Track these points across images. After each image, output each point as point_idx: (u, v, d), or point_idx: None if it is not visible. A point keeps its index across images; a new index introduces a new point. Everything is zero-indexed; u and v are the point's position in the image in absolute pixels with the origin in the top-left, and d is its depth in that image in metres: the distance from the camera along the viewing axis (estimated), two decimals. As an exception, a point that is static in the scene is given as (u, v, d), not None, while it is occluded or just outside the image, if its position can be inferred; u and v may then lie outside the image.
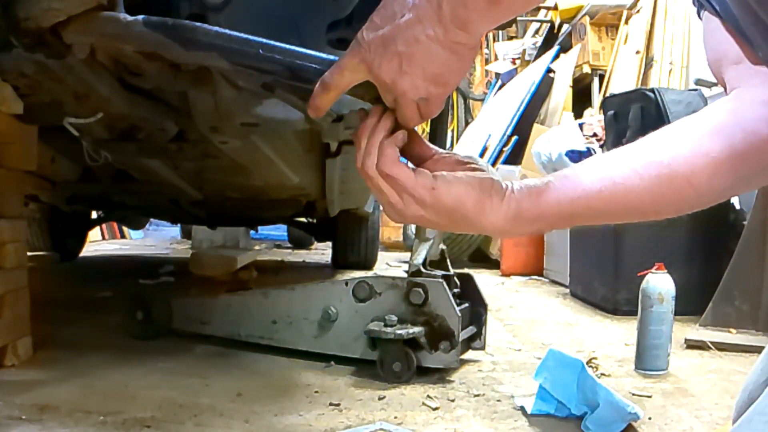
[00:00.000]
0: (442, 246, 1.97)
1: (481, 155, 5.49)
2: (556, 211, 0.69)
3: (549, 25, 7.26)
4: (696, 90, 3.29)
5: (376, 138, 0.67)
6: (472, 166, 0.70)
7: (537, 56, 7.02)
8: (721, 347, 2.18)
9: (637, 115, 3.13)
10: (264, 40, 0.93)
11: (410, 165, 0.70)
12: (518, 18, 7.42)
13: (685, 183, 0.68)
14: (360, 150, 0.68)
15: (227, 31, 1.02)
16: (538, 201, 0.68)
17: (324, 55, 0.84)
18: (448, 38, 0.59)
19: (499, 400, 1.60)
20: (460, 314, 1.74)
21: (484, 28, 0.60)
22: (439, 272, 1.84)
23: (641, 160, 0.69)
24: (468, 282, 1.98)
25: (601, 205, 0.69)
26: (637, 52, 5.40)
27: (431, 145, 0.73)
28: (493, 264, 4.79)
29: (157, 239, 7.12)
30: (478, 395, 1.64)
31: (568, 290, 3.55)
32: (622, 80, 5.41)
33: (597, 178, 0.69)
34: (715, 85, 4.31)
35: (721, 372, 1.94)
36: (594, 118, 4.78)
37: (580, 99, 5.91)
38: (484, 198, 0.67)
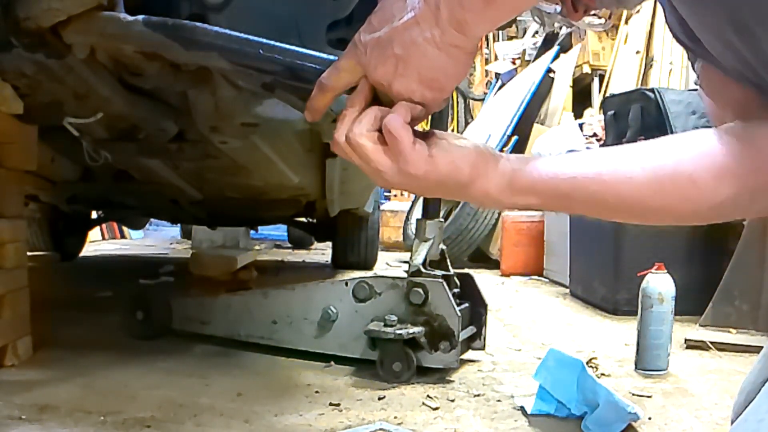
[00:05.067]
0: (442, 246, 1.97)
1: (481, 155, 5.47)
2: (551, 185, 0.67)
3: (549, 25, 7.26)
4: (696, 90, 3.28)
5: (370, 109, 0.65)
6: (463, 137, 0.69)
7: (537, 56, 7.02)
8: (721, 347, 2.18)
9: (637, 115, 3.13)
10: (264, 40, 0.94)
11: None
12: (518, 18, 7.42)
13: (687, 180, 0.66)
14: (345, 118, 0.66)
15: (227, 31, 1.02)
16: (533, 172, 0.67)
17: (324, 55, 0.84)
18: (445, 40, 0.59)
19: (499, 400, 1.61)
20: (460, 314, 1.74)
21: (480, 30, 0.60)
22: (439, 272, 1.84)
23: (645, 153, 0.68)
24: (468, 282, 1.98)
25: (597, 189, 0.67)
26: (637, 52, 5.40)
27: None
28: (493, 264, 4.79)
29: (157, 239, 7.12)
30: (478, 395, 1.64)
31: (568, 290, 3.55)
32: (622, 80, 5.41)
33: (598, 162, 0.68)
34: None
35: (721, 372, 1.94)
36: (594, 118, 4.79)
37: (580, 99, 5.91)
38: (479, 163, 0.66)
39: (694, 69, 0.77)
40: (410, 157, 0.64)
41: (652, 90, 3.16)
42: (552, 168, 0.67)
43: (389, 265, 4.75)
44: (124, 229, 7.00)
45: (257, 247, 5.72)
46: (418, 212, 3.93)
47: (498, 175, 0.67)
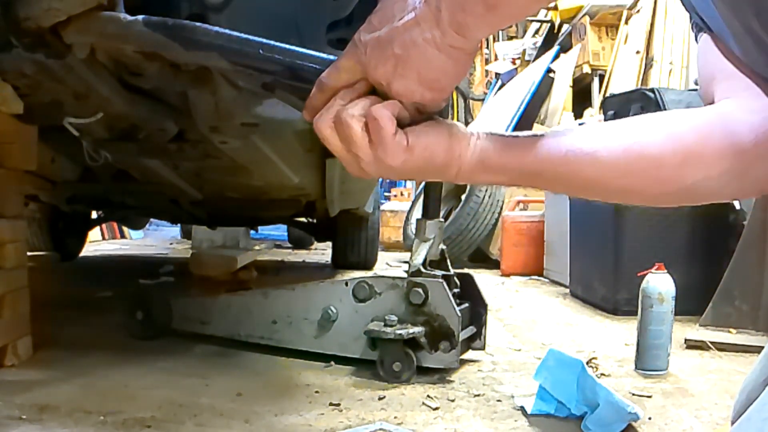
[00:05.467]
0: (442, 246, 1.97)
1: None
2: (518, 166, 0.68)
3: (549, 25, 7.27)
4: (696, 90, 3.28)
5: (366, 98, 0.65)
6: (438, 120, 0.69)
7: (537, 56, 7.02)
8: (721, 347, 2.18)
9: (637, 114, 3.13)
10: (264, 40, 0.93)
11: None
12: (518, 18, 7.41)
13: (652, 164, 0.67)
14: (332, 107, 0.65)
15: (227, 31, 1.02)
16: (503, 152, 0.68)
17: (324, 55, 0.84)
18: (445, 42, 0.59)
19: (499, 400, 1.61)
20: (460, 314, 1.74)
21: (481, 33, 0.60)
22: (439, 272, 1.84)
23: (614, 134, 0.69)
24: (468, 282, 1.98)
25: (564, 170, 0.68)
26: (637, 52, 5.40)
27: None
28: (493, 264, 4.79)
29: (157, 239, 7.12)
30: (478, 395, 1.64)
31: (568, 290, 3.55)
32: (622, 80, 5.41)
33: (565, 142, 0.68)
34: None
35: (721, 372, 1.94)
36: (594, 118, 4.79)
37: (580, 99, 5.91)
38: (453, 145, 0.67)
39: (696, 40, 0.77)
40: (389, 148, 0.64)
41: (652, 90, 3.16)
42: (520, 148, 0.69)
43: (389, 265, 4.75)
44: (124, 229, 6.99)
45: (257, 247, 5.72)
46: (418, 212, 3.93)
47: (468, 155, 0.68)
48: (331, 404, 1.53)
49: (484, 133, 0.70)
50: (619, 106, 3.34)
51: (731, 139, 0.66)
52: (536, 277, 4.29)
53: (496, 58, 8.49)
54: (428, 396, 1.61)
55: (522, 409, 1.53)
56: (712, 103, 0.73)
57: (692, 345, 2.23)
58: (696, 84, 4.28)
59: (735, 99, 0.70)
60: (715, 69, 0.73)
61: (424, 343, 1.74)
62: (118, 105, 1.57)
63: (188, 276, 3.34)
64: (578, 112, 5.69)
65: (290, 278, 3.66)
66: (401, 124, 0.65)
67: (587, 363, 1.88)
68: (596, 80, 5.91)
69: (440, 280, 1.77)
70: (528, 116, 5.72)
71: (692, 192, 0.70)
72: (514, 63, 7.74)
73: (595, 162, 0.68)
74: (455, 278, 1.93)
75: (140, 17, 1.13)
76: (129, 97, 1.55)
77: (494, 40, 8.83)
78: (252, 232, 4.66)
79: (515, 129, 5.56)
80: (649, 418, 1.49)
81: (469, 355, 1.98)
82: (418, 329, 1.73)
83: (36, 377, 1.63)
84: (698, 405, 1.60)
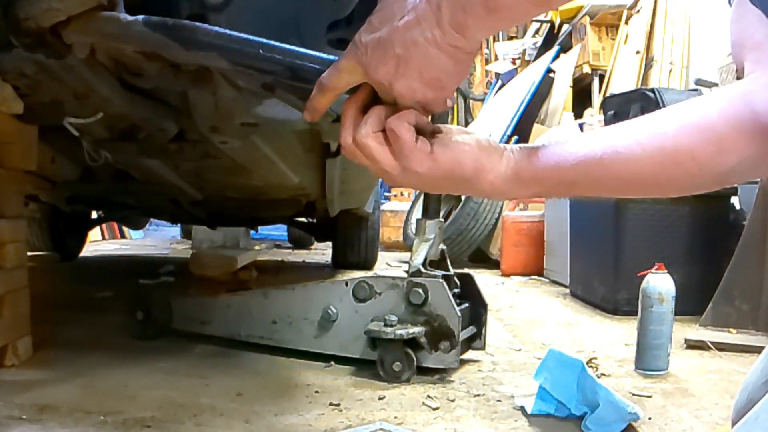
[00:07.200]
0: (442, 246, 1.97)
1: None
2: (555, 175, 0.68)
3: (549, 25, 7.27)
4: (696, 90, 3.30)
5: (374, 110, 0.66)
6: (467, 130, 0.70)
7: (537, 56, 7.03)
8: (721, 347, 2.18)
9: (637, 115, 3.13)
10: (264, 40, 0.93)
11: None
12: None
13: (688, 156, 0.66)
14: (345, 123, 0.67)
15: (227, 31, 1.02)
16: (537, 163, 0.68)
17: (324, 55, 0.84)
18: (445, 41, 0.59)
19: (499, 400, 1.61)
20: (460, 314, 1.74)
21: (482, 35, 0.60)
22: (439, 272, 1.84)
23: (645, 131, 0.68)
24: (468, 282, 1.98)
25: (601, 173, 0.68)
26: (637, 52, 5.41)
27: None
28: (493, 264, 4.79)
29: (157, 239, 7.12)
30: (478, 395, 1.64)
31: (568, 290, 3.55)
32: (622, 80, 5.41)
33: (599, 146, 0.68)
34: (715, 85, 4.31)
35: (721, 372, 1.94)
36: (594, 118, 4.79)
37: (580, 99, 5.92)
38: (482, 157, 0.67)
39: (729, 3, 0.77)
40: (412, 155, 0.65)
41: (652, 90, 3.16)
42: (554, 157, 0.68)
43: (389, 265, 4.75)
44: (124, 229, 6.99)
45: (257, 247, 5.72)
46: (418, 212, 3.93)
47: (502, 168, 0.68)
48: (331, 404, 1.53)
49: (516, 146, 0.70)
50: (619, 106, 3.35)
51: (759, 121, 0.65)
52: (536, 277, 4.29)
53: (496, 58, 8.49)
54: (428, 396, 1.61)
55: (522, 409, 1.53)
56: (741, 66, 0.73)
57: (692, 345, 2.23)
58: (696, 84, 4.29)
59: (763, 73, 0.68)
60: (745, 36, 0.72)
61: (424, 343, 1.74)
62: (118, 105, 1.57)
63: (188, 276, 3.35)
64: (578, 112, 5.69)
65: (290, 278, 3.66)
66: (423, 131, 0.66)
67: (587, 363, 1.88)
68: (596, 80, 5.92)
69: (440, 280, 1.77)
70: (528, 116, 5.73)
71: (729, 176, 0.69)
72: (514, 63, 7.75)
73: (632, 162, 0.67)
74: (455, 278, 1.93)
75: (140, 17, 1.13)
76: (129, 97, 1.55)
77: (494, 40, 8.84)
78: (252, 232, 4.66)
79: (515, 129, 5.56)
80: (649, 418, 1.49)
81: (469, 355, 1.98)
82: (418, 329, 1.73)
83: (36, 377, 1.63)
84: (698, 405, 1.60)
